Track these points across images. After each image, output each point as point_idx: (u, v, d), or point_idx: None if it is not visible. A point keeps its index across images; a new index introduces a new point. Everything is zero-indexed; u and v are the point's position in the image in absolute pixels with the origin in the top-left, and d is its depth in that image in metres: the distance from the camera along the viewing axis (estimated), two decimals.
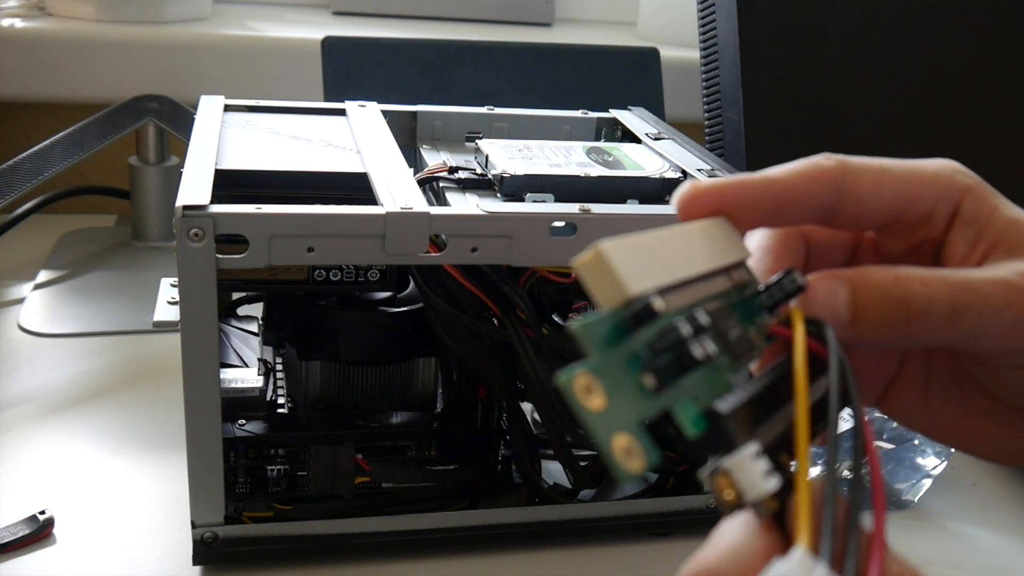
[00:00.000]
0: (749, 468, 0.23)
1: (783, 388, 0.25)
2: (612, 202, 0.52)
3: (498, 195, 0.53)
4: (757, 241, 0.33)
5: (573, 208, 0.49)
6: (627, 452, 0.21)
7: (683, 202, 0.30)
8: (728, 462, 0.23)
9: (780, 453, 0.24)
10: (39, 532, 0.54)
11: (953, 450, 0.57)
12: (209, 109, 0.60)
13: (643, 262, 0.24)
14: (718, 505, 0.23)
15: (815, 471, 0.27)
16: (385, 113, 0.63)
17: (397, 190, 0.49)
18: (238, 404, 0.55)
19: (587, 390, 0.21)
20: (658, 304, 0.23)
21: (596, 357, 0.22)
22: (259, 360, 0.59)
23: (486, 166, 0.55)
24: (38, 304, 0.81)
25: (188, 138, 0.55)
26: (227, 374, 0.56)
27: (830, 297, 0.29)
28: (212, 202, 0.45)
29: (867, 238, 0.34)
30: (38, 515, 0.54)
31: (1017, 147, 0.91)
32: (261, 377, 0.56)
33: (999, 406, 0.33)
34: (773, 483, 0.23)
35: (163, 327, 0.53)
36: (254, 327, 0.63)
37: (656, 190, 0.55)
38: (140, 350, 0.76)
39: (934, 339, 0.29)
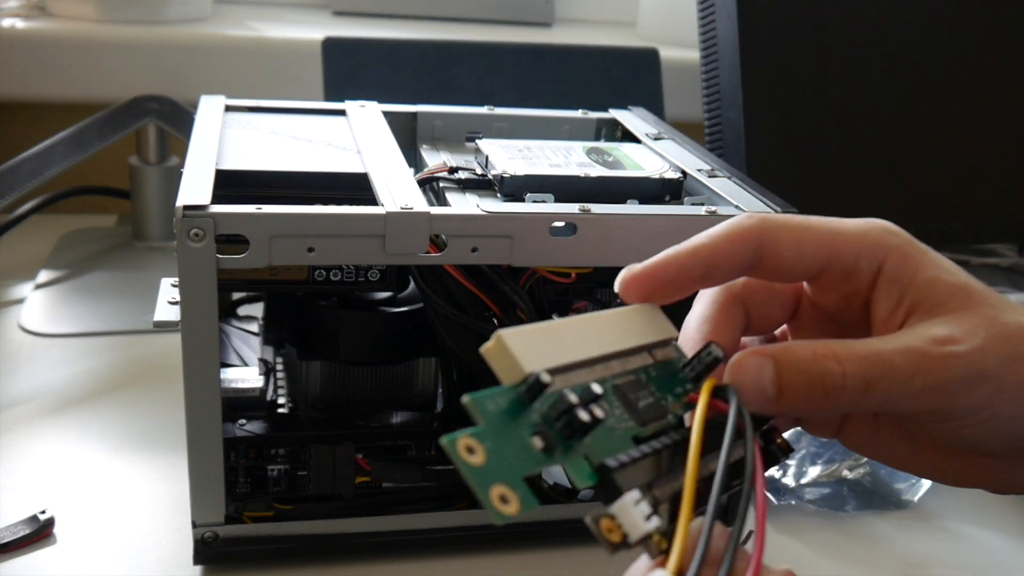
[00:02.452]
0: (631, 512, 0.26)
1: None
2: (612, 202, 0.52)
3: (498, 195, 0.53)
4: (697, 311, 0.35)
5: (573, 208, 0.49)
6: (502, 499, 0.25)
7: (622, 288, 0.33)
8: (613, 507, 0.26)
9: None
10: (39, 532, 0.54)
11: None
12: (209, 109, 0.60)
13: (542, 346, 0.29)
14: (603, 546, 0.26)
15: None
16: (385, 113, 0.63)
17: (397, 190, 0.49)
18: (238, 404, 0.55)
19: (469, 450, 0.25)
20: (545, 378, 0.27)
21: (482, 424, 0.26)
22: (259, 360, 0.59)
23: (486, 166, 0.55)
24: (38, 304, 0.81)
25: (188, 138, 0.55)
26: (227, 374, 0.56)
27: (757, 374, 0.31)
28: (212, 202, 0.45)
29: (807, 294, 0.37)
30: (38, 515, 0.54)
31: (1017, 146, 0.91)
32: (261, 377, 0.57)
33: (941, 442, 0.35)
34: (654, 523, 0.26)
35: (163, 327, 0.53)
36: (254, 327, 0.63)
37: (656, 190, 0.55)
38: (140, 350, 0.76)
39: (852, 408, 0.32)
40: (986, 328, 0.32)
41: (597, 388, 0.28)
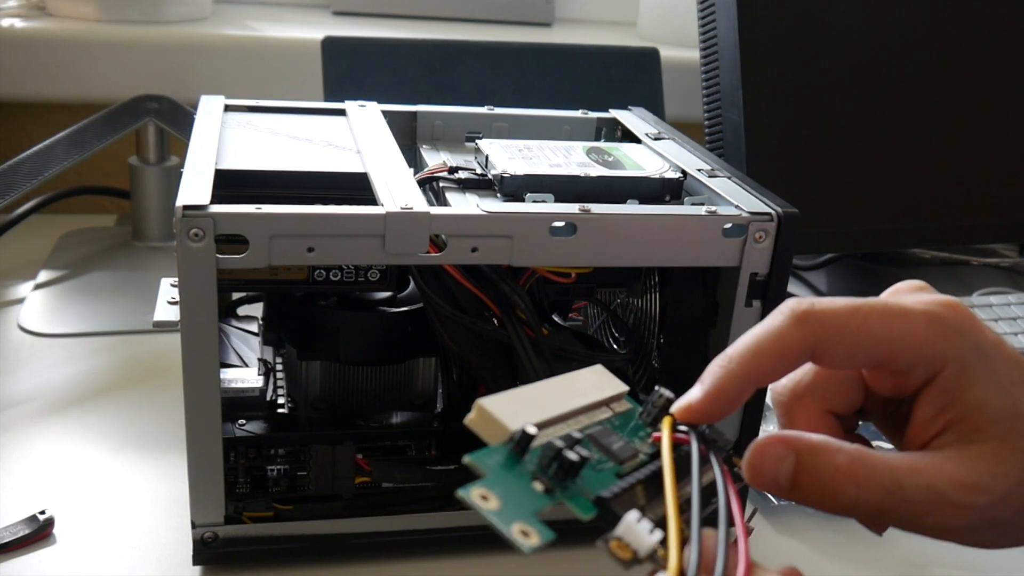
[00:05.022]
0: (635, 529, 0.29)
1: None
2: (612, 202, 0.52)
3: (498, 195, 0.53)
4: (783, 424, 0.36)
5: (573, 208, 0.49)
6: (524, 534, 0.28)
7: (681, 419, 0.33)
8: (618, 530, 0.29)
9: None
10: (39, 532, 0.54)
11: None
12: (209, 109, 0.60)
13: (520, 407, 0.32)
14: (617, 565, 0.29)
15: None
16: (385, 113, 0.63)
17: (397, 190, 0.49)
18: (238, 404, 0.55)
19: (484, 498, 0.28)
20: (531, 430, 0.30)
21: (488, 475, 0.29)
22: (259, 360, 0.59)
23: (486, 166, 0.55)
24: (38, 304, 0.81)
25: (188, 138, 0.55)
26: (227, 374, 0.56)
27: (775, 464, 0.32)
28: (212, 202, 0.45)
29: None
30: (38, 515, 0.54)
31: (1017, 146, 0.91)
32: (261, 377, 0.56)
33: None
34: (658, 536, 0.29)
35: (163, 327, 0.53)
36: (254, 327, 0.63)
37: (656, 190, 0.55)
38: (140, 350, 0.76)
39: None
40: (1019, 470, 0.31)
41: (576, 433, 0.31)
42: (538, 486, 0.30)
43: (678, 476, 0.31)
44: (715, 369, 0.33)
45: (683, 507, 0.30)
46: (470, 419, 0.31)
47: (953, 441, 0.32)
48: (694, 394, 0.33)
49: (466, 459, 0.29)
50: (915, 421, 0.33)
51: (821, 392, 0.35)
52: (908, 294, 0.34)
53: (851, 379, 0.35)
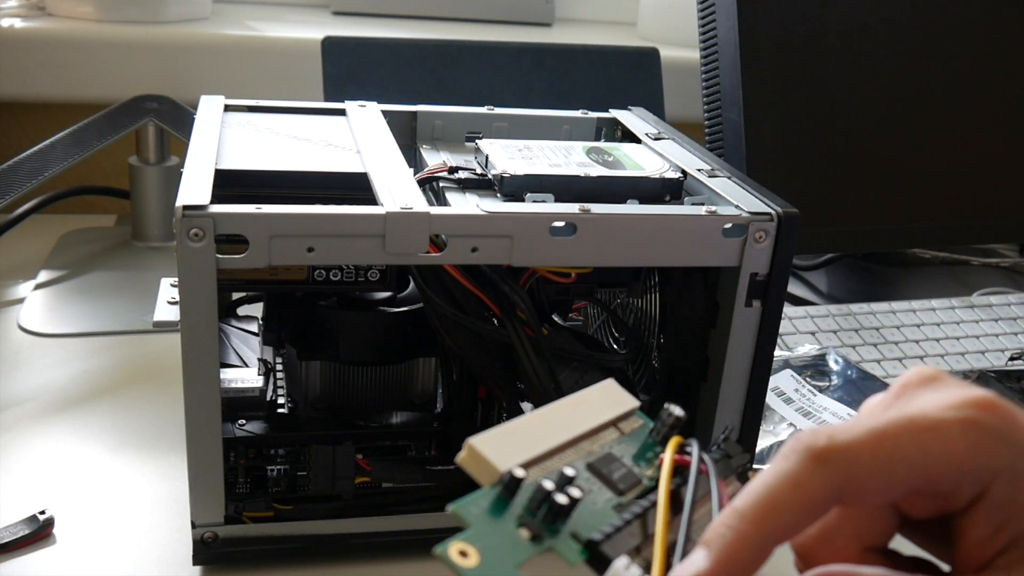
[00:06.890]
0: None
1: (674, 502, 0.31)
2: (612, 202, 0.52)
3: (498, 195, 0.53)
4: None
5: (573, 208, 0.49)
6: None
7: None
8: None
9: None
10: (39, 532, 0.54)
11: None
12: (209, 109, 0.60)
13: (512, 444, 0.30)
14: None
15: None
16: (385, 113, 0.63)
17: (397, 190, 0.49)
18: (238, 404, 0.55)
19: (463, 554, 0.27)
20: (519, 473, 0.29)
21: (470, 527, 0.28)
22: (259, 360, 0.59)
23: (486, 166, 0.55)
24: (38, 304, 0.81)
25: (188, 138, 0.55)
26: (227, 374, 0.56)
27: None
28: (212, 202, 0.45)
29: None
30: (38, 515, 0.54)
31: (1017, 147, 0.91)
32: (261, 377, 0.56)
33: None
34: None
35: (163, 327, 0.53)
36: (254, 327, 0.63)
37: (656, 190, 0.55)
38: (140, 350, 0.76)
39: None
40: None
41: (569, 471, 0.30)
42: (525, 533, 0.28)
43: (680, 503, 0.29)
44: (723, 531, 0.28)
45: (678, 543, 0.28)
46: (461, 459, 0.30)
47: (1021, 559, 0.28)
48: (698, 564, 0.27)
49: (449, 508, 0.28)
50: (969, 542, 0.29)
51: (854, 530, 0.31)
52: (925, 392, 0.30)
53: (883, 508, 0.31)
